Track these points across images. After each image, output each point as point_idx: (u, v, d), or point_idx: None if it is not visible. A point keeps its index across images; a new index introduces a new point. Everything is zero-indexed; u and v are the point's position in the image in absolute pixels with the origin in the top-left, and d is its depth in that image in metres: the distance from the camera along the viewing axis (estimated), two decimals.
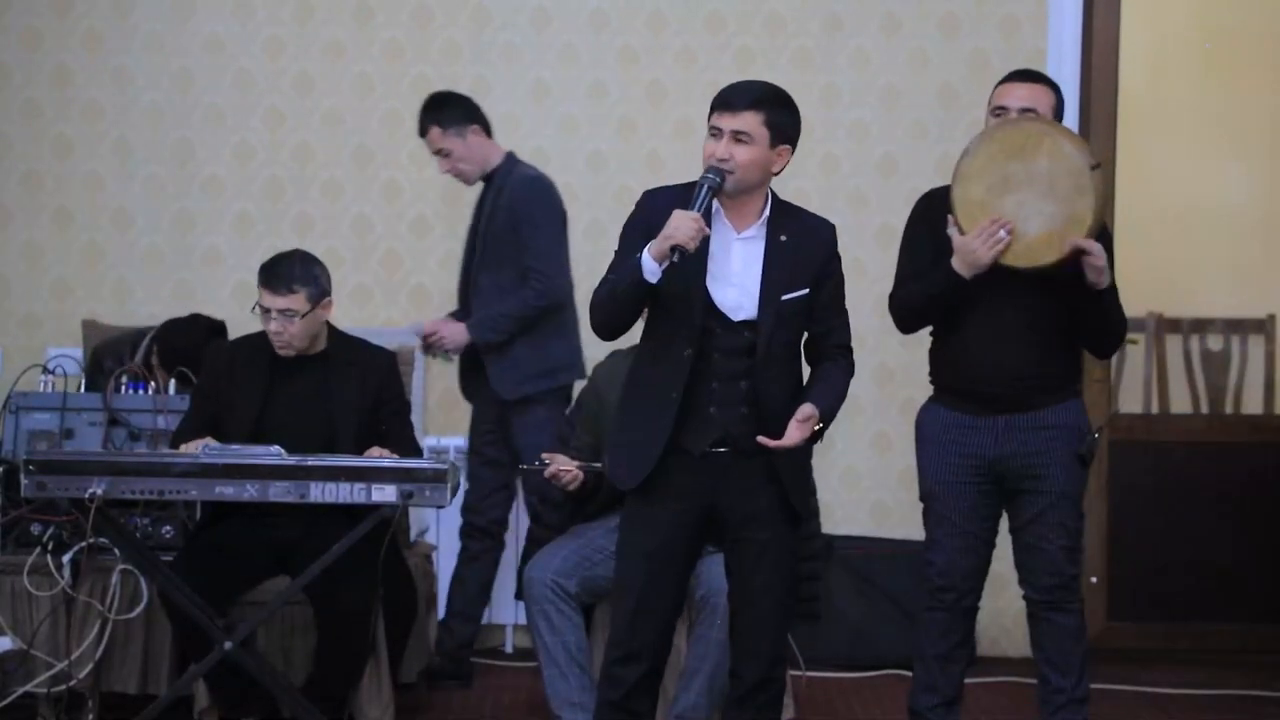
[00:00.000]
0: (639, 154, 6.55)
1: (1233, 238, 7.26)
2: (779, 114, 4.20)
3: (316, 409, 5.10)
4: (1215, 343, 7.18)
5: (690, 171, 4.27)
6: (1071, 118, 6.41)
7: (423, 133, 5.94)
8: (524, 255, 5.79)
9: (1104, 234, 4.59)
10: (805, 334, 4.32)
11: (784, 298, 4.20)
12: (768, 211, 4.23)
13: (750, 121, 4.15)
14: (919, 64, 6.55)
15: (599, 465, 4.98)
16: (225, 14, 6.55)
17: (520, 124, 6.53)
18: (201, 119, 6.56)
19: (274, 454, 4.71)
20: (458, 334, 5.85)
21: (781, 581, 4.31)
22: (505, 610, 6.34)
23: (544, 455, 5.13)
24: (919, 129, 6.50)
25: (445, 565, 6.15)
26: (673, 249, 4.04)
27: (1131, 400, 7.09)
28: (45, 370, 5.67)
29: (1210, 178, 7.24)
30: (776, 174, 4.24)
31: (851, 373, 4.37)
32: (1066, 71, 6.47)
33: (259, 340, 5.23)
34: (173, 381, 5.54)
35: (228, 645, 4.74)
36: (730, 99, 4.17)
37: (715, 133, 4.17)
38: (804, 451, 4.32)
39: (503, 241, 5.81)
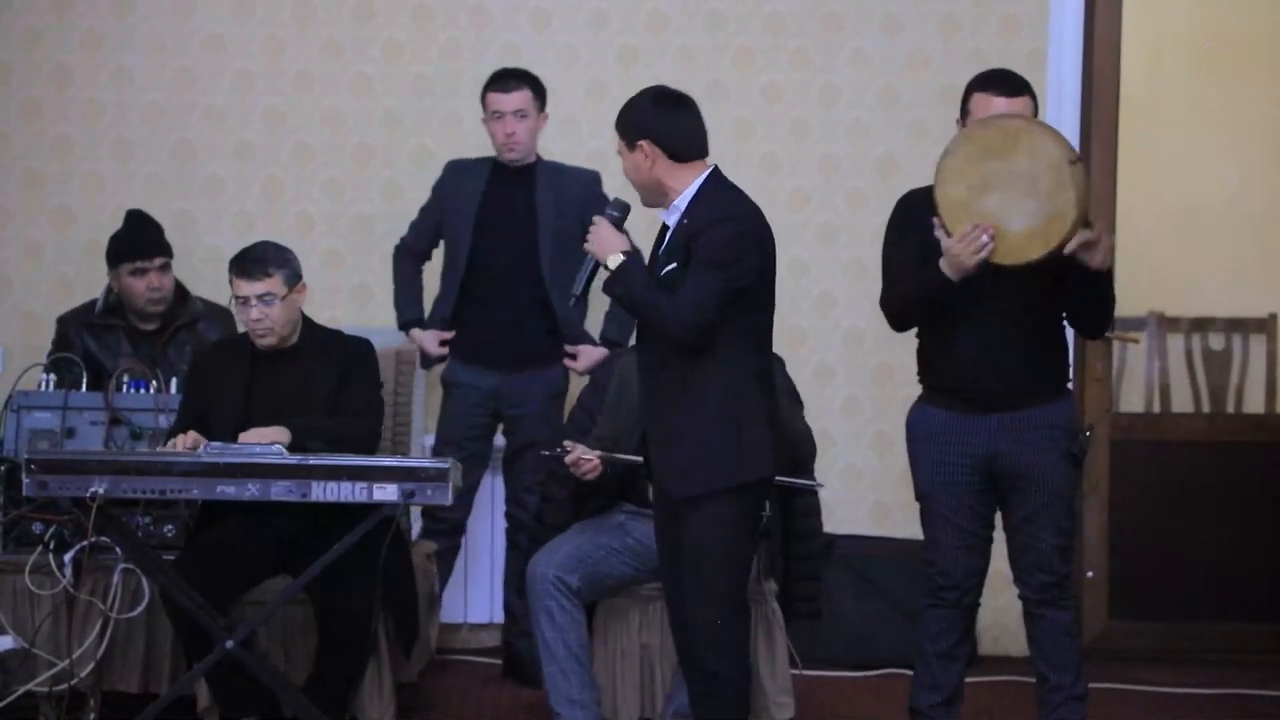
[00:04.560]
0: None
1: (1233, 237, 7.26)
2: (619, 123, 4.44)
3: (296, 402, 5.11)
4: (1216, 342, 7.17)
5: None
6: (1071, 118, 6.42)
7: None
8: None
9: (1087, 225, 4.55)
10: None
11: (661, 273, 4.37)
12: (681, 200, 4.39)
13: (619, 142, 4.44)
14: (919, 64, 6.55)
15: (620, 456, 4.97)
16: (225, 14, 6.55)
17: None
18: (201, 119, 6.55)
19: (275, 453, 4.71)
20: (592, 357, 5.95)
21: (690, 576, 4.38)
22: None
23: (565, 443, 5.09)
24: (919, 129, 6.49)
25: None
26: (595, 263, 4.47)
27: (1132, 399, 7.08)
28: (46, 369, 5.68)
29: (1211, 177, 7.23)
30: (654, 165, 4.37)
31: (666, 307, 4.30)
32: (1067, 72, 6.47)
33: (239, 340, 5.28)
34: (174, 380, 5.54)
35: (229, 644, 4.73)
36: None
37: None
38: (673, 424, 4.36)
39: (572, 236, 5.60)
